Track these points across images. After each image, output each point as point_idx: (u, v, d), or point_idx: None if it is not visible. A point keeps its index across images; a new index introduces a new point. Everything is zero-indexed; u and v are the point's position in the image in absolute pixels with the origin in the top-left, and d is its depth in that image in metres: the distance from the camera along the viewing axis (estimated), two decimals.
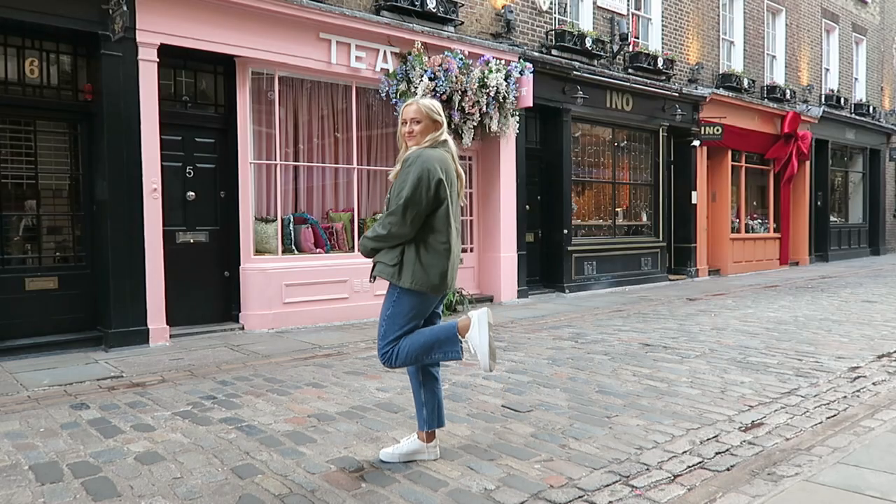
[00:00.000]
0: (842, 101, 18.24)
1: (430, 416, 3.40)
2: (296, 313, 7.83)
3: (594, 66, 11.39)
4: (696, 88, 13.33)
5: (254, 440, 3.80)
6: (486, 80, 8.90)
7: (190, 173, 7.45)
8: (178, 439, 3.82)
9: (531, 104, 9.63)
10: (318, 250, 8.29)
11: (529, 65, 9.62)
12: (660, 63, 12.49)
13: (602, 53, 11.47)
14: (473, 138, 9.25)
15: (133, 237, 6.66)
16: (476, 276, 10.31)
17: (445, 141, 3.37)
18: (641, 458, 3.45)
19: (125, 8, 6.28)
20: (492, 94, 8.99)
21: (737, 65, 15.02)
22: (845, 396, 4.59)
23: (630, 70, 12.22)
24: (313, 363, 5.92)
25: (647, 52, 12.43)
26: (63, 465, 3.45)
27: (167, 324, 6.89)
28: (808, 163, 16.81)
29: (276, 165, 7.99)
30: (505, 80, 9.11)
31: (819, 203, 17.80)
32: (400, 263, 3.23)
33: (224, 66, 7.62)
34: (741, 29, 15.12)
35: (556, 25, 11.06)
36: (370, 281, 3.45)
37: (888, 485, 3.04)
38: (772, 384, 4.92)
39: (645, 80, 12.25)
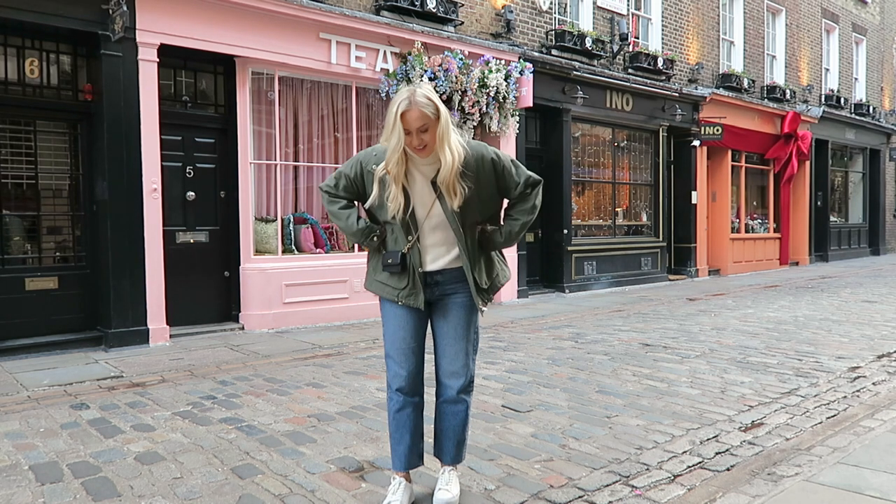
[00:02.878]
0: (842, 101, 18.23)
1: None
2: (296, 313, 7.83)
3: (594, 66, 11.39)
4: (696, 88, 13.33)
5: (254, 440, 3.80)
6: (485, 80, 8.90)
7: (190, 173, 7.45)
8: (178, 439, 3.82)
9: (531, 104, 9.63)
10: (318, 250, 8.29)
11: (529, 65, 9.62)
12: (660, 63, 12.49)
13: (602, 53, 11.47)
14: (473, 138, 9.23)
15: (133, 237, 6.66)
16: None
17: None
18: (641, 458, 3.45)
19: (125, 8, 6.28)
20: (492, 94, 8.99)
21: (737, 65, 15.02)
22: (845, 396, 4.59)
23: (630, 70, 12.22)
24: (313, 363, 5.92)
25: (647, 52, 12.42)
26: (63, 465, 3.45)
27: (167, 324, 6.89)
28: (808, 163, 16.81)
29: (276, 165, 7.99)
30: (505, 80, 9.11)
31: (819, 203, 17.80)
32: (492, 269, 2.89)
33: (224, 66, 7.62)
34: (741, 29, 15.11)
35: (556, 25, 11.06)
36: (481, 310, 2.83)
37: (888, 485, 3.04)
38: (772, 384, 4.92)
39: (645, 80, 12.25)
